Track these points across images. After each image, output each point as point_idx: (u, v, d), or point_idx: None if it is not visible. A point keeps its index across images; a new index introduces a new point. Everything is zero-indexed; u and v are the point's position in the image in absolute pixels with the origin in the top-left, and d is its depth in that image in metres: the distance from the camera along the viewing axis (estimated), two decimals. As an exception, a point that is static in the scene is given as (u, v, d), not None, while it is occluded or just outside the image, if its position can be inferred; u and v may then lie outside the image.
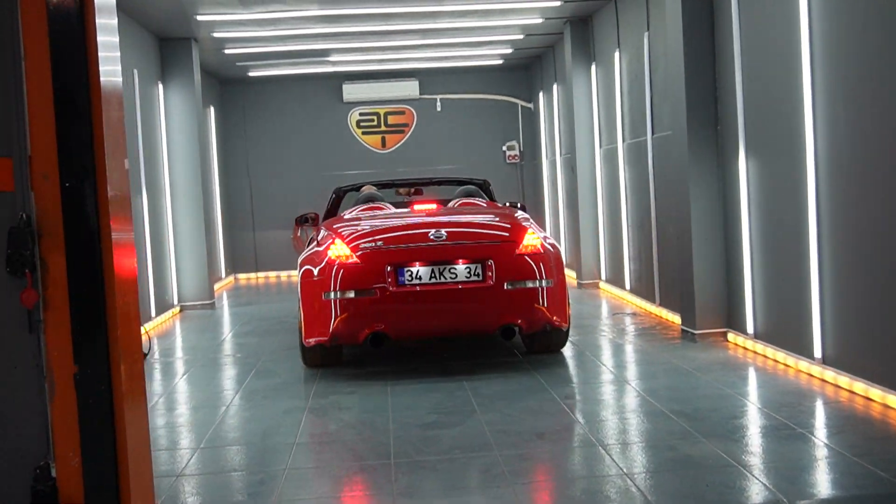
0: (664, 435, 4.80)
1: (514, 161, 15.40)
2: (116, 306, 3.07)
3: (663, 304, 8.79)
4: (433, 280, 6.25)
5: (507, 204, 8.66)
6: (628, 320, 8.71)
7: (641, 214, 9.38)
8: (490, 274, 6.30)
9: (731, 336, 7.21)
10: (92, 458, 3.00)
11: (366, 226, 6.84)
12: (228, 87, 14.93)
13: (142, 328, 7.81)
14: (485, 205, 8.04)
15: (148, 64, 10.24)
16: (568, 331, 6.91)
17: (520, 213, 7.43)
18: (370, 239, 6.50)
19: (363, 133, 15.31)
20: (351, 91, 14.99)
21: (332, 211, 8.77)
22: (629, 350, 7.30)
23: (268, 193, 15.04)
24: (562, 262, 6.72)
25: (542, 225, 14.83)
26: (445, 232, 6.46)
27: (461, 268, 6.28)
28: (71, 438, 3.01)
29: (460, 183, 8.97)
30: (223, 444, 5.09)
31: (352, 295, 6.24)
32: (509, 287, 6.30)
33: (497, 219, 7.10)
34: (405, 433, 5.07)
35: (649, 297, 9.22)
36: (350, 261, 6.32)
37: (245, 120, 15.10)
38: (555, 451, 4.71)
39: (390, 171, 14.80)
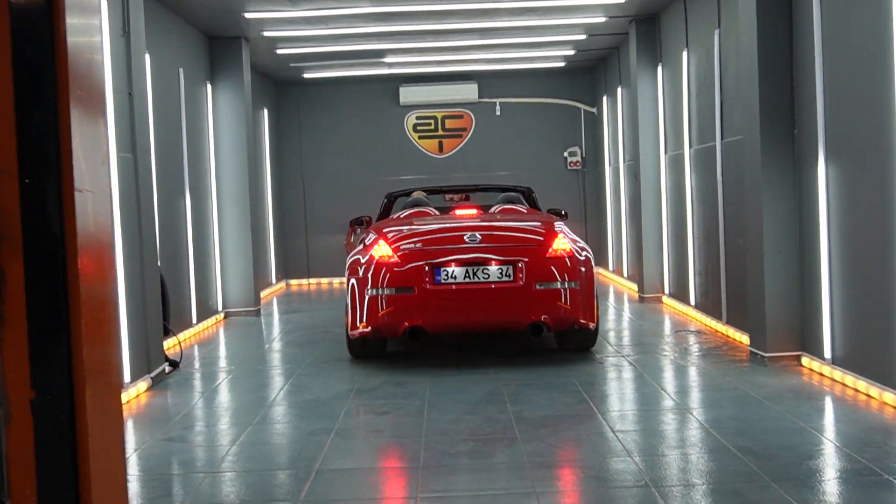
0: (729, 476, 4.22)
1: (575, 168, 14.82)
2: (82, 322, 2.65)
3: (731, 322, 8.15)
4: (467, 279, 6.76)
5: (548, 211, 8.83)
6: (692, 339, 8.09)
7: (709, 225, 8.75)
8: (520, 275, 6.76)
9: (805, 360, 6.56)
10: (50, 497, 2.59)
11: (407, 229, 7.30)
12: (283, 88, 14.68)
13: (172, 337, 7.58)
14: (525, 211, 8.31)
15: (195, 63, 9.98)
16: (597, 330, 7.26)
17: (555, 220, 7.68)
18: (410, 241, 7.02)
19: (420, 137, 14.91)
20: (408, 94, 14.60)
21: (384, 215, 9.06)
22: (692, 373, 6.69)
23: (321, 198, 14.73)
24: (591, 266, 7.13)
25: (601, 235, 14.23)
26: (480, 235, 7.00)
27: (494, 268, 6.78)
28: (28, 474, 2.61)
29: (504, 190, 9.29)
30: (232, 470, 4.67)
31: (393, 292, 6.77)
32: (538, 287, 6.75)
33: (531, 224, 7.54)
34: (435, 463, 4.58)
35: (716, 314, 8.58)
36: (391, 260, 6.85)
37: (300, 123, 14.82)
38: (602, 494, 4.17)
39: (447, 177, 14.38)
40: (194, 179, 9.69)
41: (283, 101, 14.75)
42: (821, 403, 5.57)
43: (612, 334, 8.55)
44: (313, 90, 14.72)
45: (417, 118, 14.88)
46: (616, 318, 9.74)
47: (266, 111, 13.75)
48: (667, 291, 10.53)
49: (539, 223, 7.53)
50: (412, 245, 6.98)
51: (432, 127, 14.90)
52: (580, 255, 7.06)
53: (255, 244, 12.76)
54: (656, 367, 6.87)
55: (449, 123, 14.90)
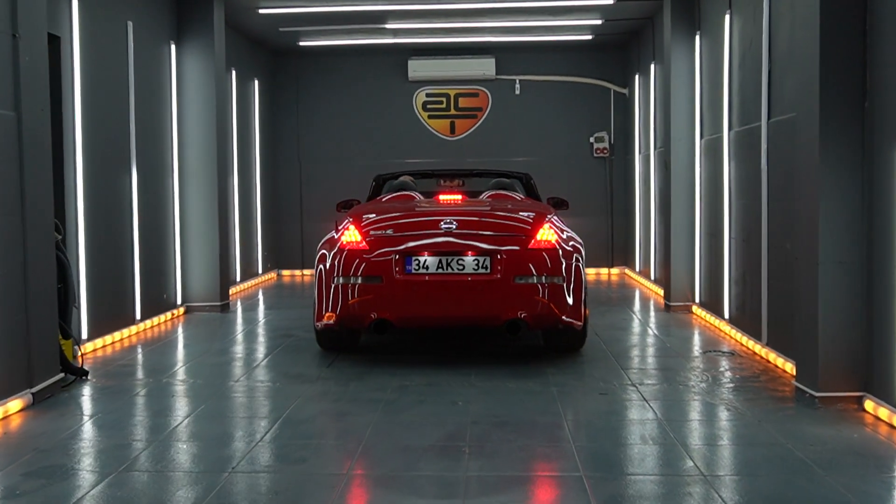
0: None
1: (602, 155, 13.25)
2: None
3: (772, 344, 6.60)
4: (440, 270, 6.27)
5: (548, 200, 8.08)
6: (724, 363, 6.55)
7: (749, 224, 7.19)
8: (499, 267, 6.24)
9: (869, 405, 5.01)
10: None
11: (381, 214, 6.76)
12: (278, 59, 13.28)
13: (80, 343, 6.23)
14: (518, 198, 7.58)
15: (152, 19, 8.59)
16: (584, 331, 6.75)
17: (546, 210, 7.03)
18: (381, 226, 6.53)
19: (430, 117, 13.44)
20: (417, 68, 13.13)
21: (373, 198, 8.22)
22: (721, 415, 5.16)
23: (319, 182, 13.33)
24: (580, 261, 6.56)
25: (629, 232, 12.68)
26: (456, 222, 6.43)
27: (469, 259, 6.28)
28: None
29: (500, 176, 8.42)
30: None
31: (359, 281, 6.29)
32: (517, 281, 6.23)
33: (517, 213, 6.85)
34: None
35: (754, 332, 7.02)
36: (360, 247, 6.38)
37: (297, 98, 13.42)
38: None
39: (459, 161, 12.91)
40: (146, 153, 8.32)
41: (278, 72, 13.36)
42: (894, 473, 4.04)
43: (627, 353, 7.03)
44: (312, 61, 13.30)
45: (427, 95, 13.41)
46: (636, 331, 8.21)
47: (257, 83, 12.36)
48: (697, 300, 8.98)
49: (526, 212, 6.82)
50: (382, 231, 6.49)
51: (444, 106, 13.43)
52: (566, 247, 6.49)
53: (241, 230, 11.45)
54: (676, 406, 5.35)
55: (462, 102, 13.41)
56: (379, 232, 6.45)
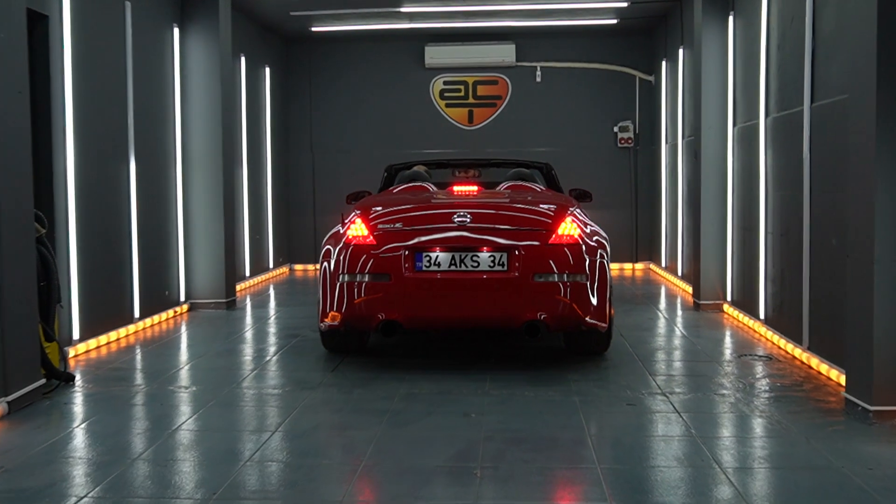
0: None
1: (626, 145, 12.70)
2: None
3: (815, 348, 6.07)
4: (453, 267, 5.81)
5: (570, 192, 7.54)
6: (762, 368, 6.03)
7: (789, 217, 6.65)
8: (517, 264, 5.76)
9: (931, 420, 4.49)
10: None
11: (391, 207, 6.26)
12: (290, 46, 12.83)
13: (62, 348, 5.78)
14: (538, 190, 7.08)
15: (151, 1, 8.14)
16: (609, 332, 6.25)
17: (569, 203, 6.53)
18: (389, 219, 6.02)
19: (447, 105, 12.93)
20: (434, 54, 12.62)
21: (384, 190, 7.78)
22: (763, 431, 4.64)
23: (333, 172, 12.86)
24: (605, 257, 6.07)
25: (655, 226, 12.13)
26: (470, 216, 5.94)
27: (485, 256, 5.81)
28: None
29: (519, 166, 7.96)
30: None
31: (366, 279, 5.84)
32: (537, 280, 5.75)
33: (537, 205, 6.30)
34: None
35: (793, 335, 6.49)
36: (367, 242, 5.90)
37: (310, 86, 12.96)
38: None
39: (477, 152, 12.41)
40: (146, 142, 7.88)
41: (290, 60, 12.90)
42: (969, 506, 3.52)
43: (655, 356, 6.52)
44: (325, 48, 12.83)
45: (445, 83, 12.90)
46: (664, 332, 7.68)
47: (268, 70, 11.91)
48: (729, 298, 8.44)
49: (547, 205, 6.27)
50: (391, 225, 5.97)
51: (462, 94, 12.92)
52: (589, 242, 5.99)
53: (251, 223, 11.02)
54: (710, 418, 4.84)
55: (481, 90, 12.89)
56: (387, 226, 5.97)
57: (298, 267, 12.97)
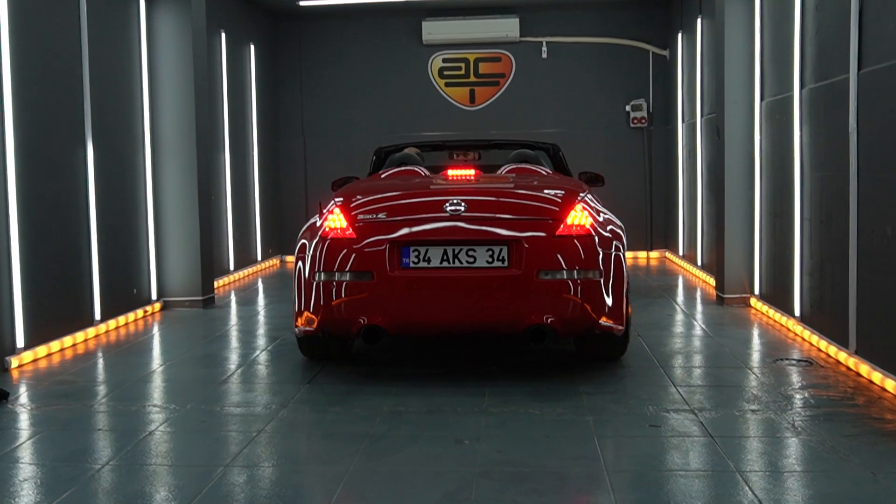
0: None
1: (640, 125, 11.85)
2: None
3: (864, 353, 5.25)
4: (445, 264, 5.04)
5: (579, 176, 6.79)
6: (800, 376, 5.23)
7: (830, 201, 5.83)
8: (519, 259, 4.99)
9: None
10: None
11: (374, 193, 5.50)
12: (278, 22, 12.01)
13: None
14: (545, 173, 6.26)
15: (114, -35, 7.34)
16: (626, 335, 5.48)
17: (578, 188, 5.69)
18: (372, 209, 5.25)
19: (447, 84, 12.10)
20: (432, 30, 11.79)
21: (373, 175, 6.94)
22: (811, 461, 3.83)
23: (326, 157, 12.06)
24: (621, 250, 5.30)
25: (671, 211, 11.30)
26: (466, 203, 5.15)
27: (482, 250, 5.04)
28: None
29: (522, 147, 7.09)
30: None
31: (345, 278, 5.08)
32: (543, 277, 4.97)
33: (543, 191, 5.52)
34: None
35: (837, 336, 5.68)
36: (345, 235, 5.16)
37: (300, 65, 12.14)
38: None
39: (479, 134, 11.57)
40: (107, 125, 7.09)
41: (278, 37, 12.08)
42: None
43: (677, 360, 5.72)
44: (315, 25, 12.01)
45: (444, 61, 12.07)
46: (685, 331, 6.88)
47: (253, 48, 11.10)
48: (756, 291, 7.62)
49: (554, 190, 5.49)
50: (373, 216, 5.20)
51: (462, 72, 12.08)
52: (603, 233, 5.22)
53: (236, 212, 10.25)
54: (750, 445, 4.04)
55: (483, 68, 12.05)
56: (369, 216, 5.19)
57: (290, 258, 12.18)
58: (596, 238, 5.12)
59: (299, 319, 5.35)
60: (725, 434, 4.14)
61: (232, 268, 10.17)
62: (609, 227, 5.38)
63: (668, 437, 4.12)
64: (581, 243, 5.06)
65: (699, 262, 9.80)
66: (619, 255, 5.29)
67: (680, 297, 8.53)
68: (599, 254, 5.10)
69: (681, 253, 10.92)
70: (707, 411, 4.52)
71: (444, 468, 3.73)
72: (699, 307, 7.89)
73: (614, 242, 5.28)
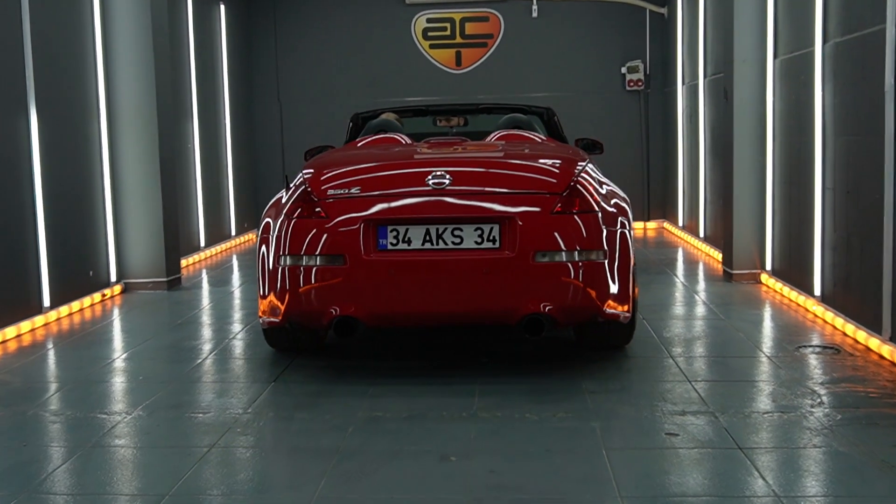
0: None
1: (636, 88, 11.18)
2: None
3: (901, 340, 4.68)
4: (427, 245, 4.44)
5: (576, 142, 6.20)
6: (828, 367, 4.65)
7: (857, 170, 5.21)
8: (513, 239, 4.39)
9: None
10: None
11: (347, 165, 4.91)
12: (252, -20, 11.26)
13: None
14: (539, 140, 5.58)
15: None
16: (633, 322, 4.86)
17: (577, 156, 5.09)
18: (344, 182, 4.64)
19: (431, 46, 11.39)
20: (415, -12, 11.07)
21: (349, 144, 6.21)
22: (853, 474, 3.25)
23: (304, 126, 11.35)
24: (626, 226, 4.68)
25: (669, 179, 10.69)
26: (451, 175, 4.52)
27: (469, 229, 4.43)
28: None
29: (513, 111, 6.44)
30: None
31: (313, 262, 4.46)
32: (539, 260, 4.38)
33: (538, 160, 4.90)
34: None
35: (867, 320, 5.09)
36: (314, 213, 4.52)
37: (275, 27, 11.41)
38: None
39: (466, 99, 10.88)
40: (53, 90, 6.39)
41: (251, -4, 11.35)
42: None
43: (689, 348, 5.13)
44: (290, -18, 11.26)
45: (428, 21, 11.35)
46: (694, 313, 6.28)
47: (223, 8, 10.36)
48: (768, 267, 7.03)
49: (551, 160, 4.89)
50: (345, 191, 4.56)
51: (448, 33, 11.37)
52: (607, 208, 4.61)
53: (207, 184, 9.58)
54: (786, 458, 3.44)
55: (470, 28, 11.34)
56: (341, 191, 4.54)
57: (267, 233, 11.52)
58: (599, 214, 4.51)
59: (263, 308, 4.74)
60: (754, 444, 3.55)
61: (203, 244, 9.52)
62: (613, 201, 4.76)
63: (689, 449, 3.53)
64: (582, 220, 4.44)
65: (701, 234, 9.20)
66: (625, 233, 4.68)
67: (683, 273, 7.95)
68: (603, 231, 4.50)
69: (680, 224, 10.32)
70: (728, 413, 3.93)
71: (427, 495, 3.13)
72: (705, 284, 7.30)
73: (619, 218, 4.67)
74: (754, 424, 3.79)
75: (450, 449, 3.57)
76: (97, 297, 6.95)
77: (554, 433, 3.75)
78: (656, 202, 11.34)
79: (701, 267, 8.18)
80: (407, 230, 4.42)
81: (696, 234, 9.45)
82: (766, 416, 3.91)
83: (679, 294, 6.92)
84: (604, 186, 4.86)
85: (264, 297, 4.71)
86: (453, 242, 4.41)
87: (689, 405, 4.07)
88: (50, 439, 3.84)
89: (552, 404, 4.14)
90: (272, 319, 4.67)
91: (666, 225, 11.12)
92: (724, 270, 7.48)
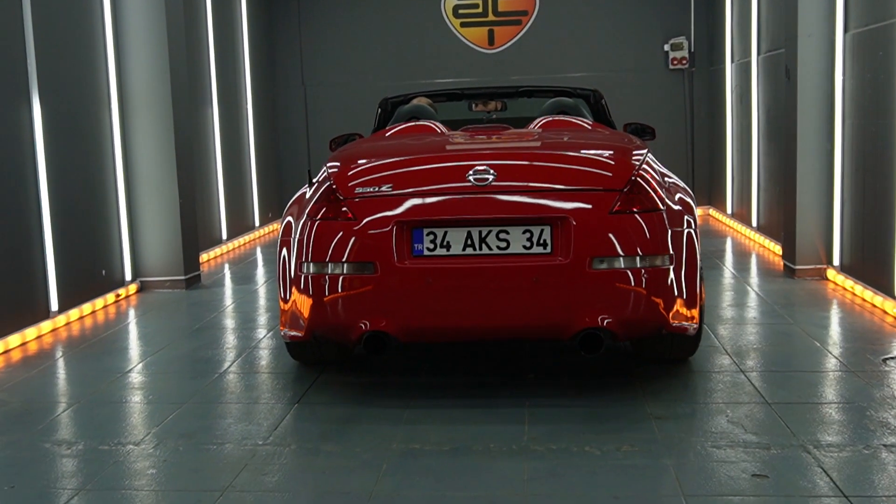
0: None
1: (680, 66, 10.55)
2: None
3: None
4: (469, 251, 3.91)
5: (625, 128, 5.68)
6: (926, 384, 4.08)
7: (955, 158, 4.61)
8: (566, 243, 3.82)
9: None
10: None
11: (377, 157, 4.37)
12: (274, -43, 10.73)
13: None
14: (589, 127, 5.00)
15: None
16: (699, 334, 4.36)
17: (633, 145, 4.51)
18: (373, 178, 4.10)
19: (462, 25, 10.82)
20: (446, -37, 10.49)
21: (378, 132, 5.71)
22: None
23: (330, 108, 10.88)
24: (692, 226, 4.16)
25: (716, 164, 10.07)
26: (495, 170, 3.95)
27: (517, 231, 3.88)
28: None
29: (558, 94, 5.85)
30: None
31: (340, 270, 3.94)
32: (597, 267, 3.81)
33: (591, 150, 4.34)
34: None
35: (964, 329, 4.50)
36: (339, 214, 3.99)
37: (299, 6, 10.87)
38: None
39: (500, 80, 10.33)
40: (59, 78, 5.92)
41: (273, -26, 10.83)
42: None
43: (762, 361, 4.57)
44: (314, -41, 10.73)
45: (459, -2, 10.79)
46: (760, 316, 5.69)
47: (244, -13, 9.86)
48: (837, 262, 6.43)
49: (606, 150, 4.37)
50: (375, 188, 4.02)
51: (480, 10, 10.79)
52: (672, 205, 4.07)
53: (228, 174, 9.12)
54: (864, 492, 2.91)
55: (503, 5, 10.76)
56: (370, 189, 4.02)
57: (293, 222, 11.06)
58: (664, 213, 3.96)
59: (284, 320, 4.26)
60: (865, 493, 3.00)
61: (225, 237, 9.06)
62: (678, 196, 4.23)
63: (786, 496, 2.99)
64: (645, 220, 3.89)
65: (754, 223, 8.60)
66: (692, 233, 4.15)
67: (738, 267, 7.36)
68: (668, 233, 3.95)
69: (729, 211, 9.71)
70: (824, 449, 3.38)
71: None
72: (765, 280, 6.72)
73: (685, 217, 4.13)
74: (858, 466, 3.23)
75: (500, 496, 3.06)
76: (111, 297, 6.51)
77: (620, 473, 3.22)
78: (701, 188, 10.72)
79: (756, 260, 7.59)
80: (445, 233, 3.90)
81: (747, 223, 8.84)
82: (867, 452, 3.35)
83: (737, 292, 6.34)
84: (666, 180, 4.32)
85: (285, 307, 4.23)
86: (498, 247, 3.88)
87: (774, 436, 3.52)
88: (42, 480, 3.37)
89: (614, 434, 3.61)
90: (294, 333, 4.18)
91: (712, 212, 10.51)
92: (786, 265, 6.89)
